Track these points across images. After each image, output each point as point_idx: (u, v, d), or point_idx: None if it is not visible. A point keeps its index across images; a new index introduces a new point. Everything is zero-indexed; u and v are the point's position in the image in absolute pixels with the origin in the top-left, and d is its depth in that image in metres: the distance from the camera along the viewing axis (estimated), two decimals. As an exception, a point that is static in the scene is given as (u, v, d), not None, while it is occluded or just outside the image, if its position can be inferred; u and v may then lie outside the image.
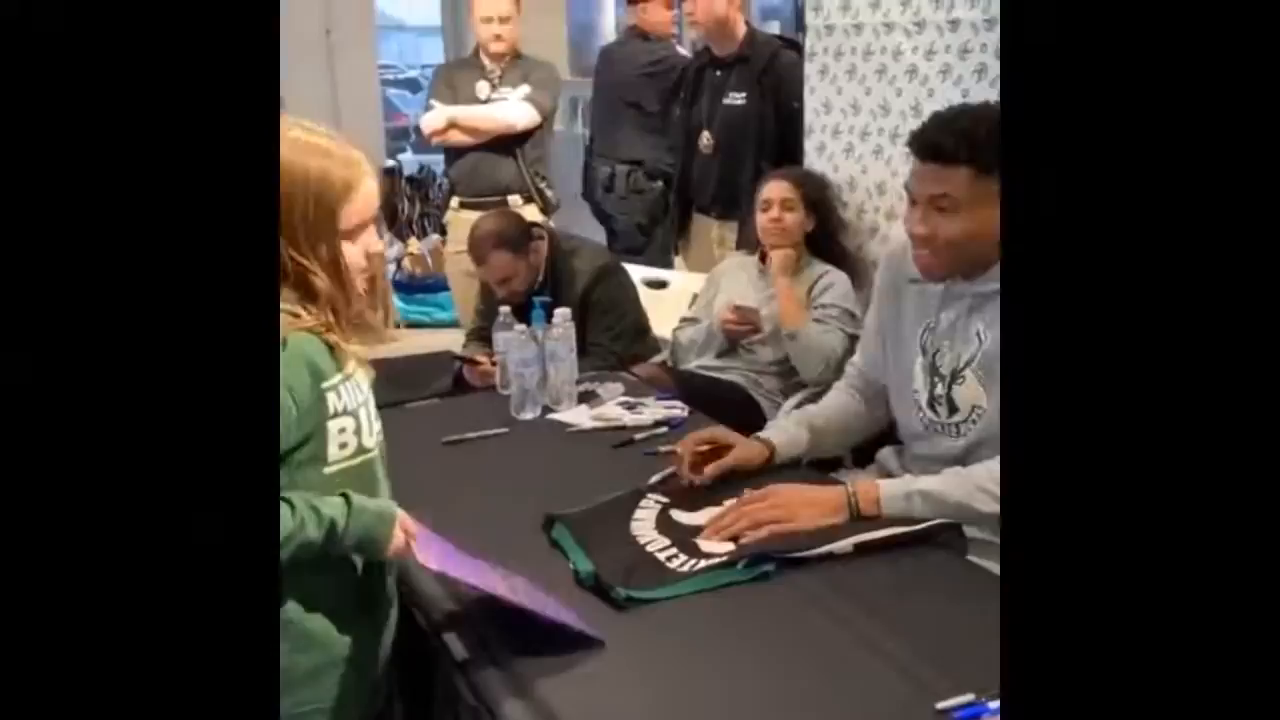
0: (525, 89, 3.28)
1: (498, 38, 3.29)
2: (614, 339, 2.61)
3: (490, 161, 3.30)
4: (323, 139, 1.17)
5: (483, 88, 3.32)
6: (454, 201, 3.44)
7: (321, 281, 1.16)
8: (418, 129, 3.31)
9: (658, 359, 2.65)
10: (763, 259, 2.51)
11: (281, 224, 1.11)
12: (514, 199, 3.28)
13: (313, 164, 1.14)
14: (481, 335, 2.67)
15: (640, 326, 2.77)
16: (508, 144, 3.28)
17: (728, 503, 1.56)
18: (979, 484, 1.46)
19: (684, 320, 2.66)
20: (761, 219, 2.47)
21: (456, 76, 3.39)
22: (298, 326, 1.15)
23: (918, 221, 1.55)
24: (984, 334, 1.58)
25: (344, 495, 1.16)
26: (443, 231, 3.66)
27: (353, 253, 1.20)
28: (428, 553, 1.21)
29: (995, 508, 1.42)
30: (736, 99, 3.11)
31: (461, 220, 3.33)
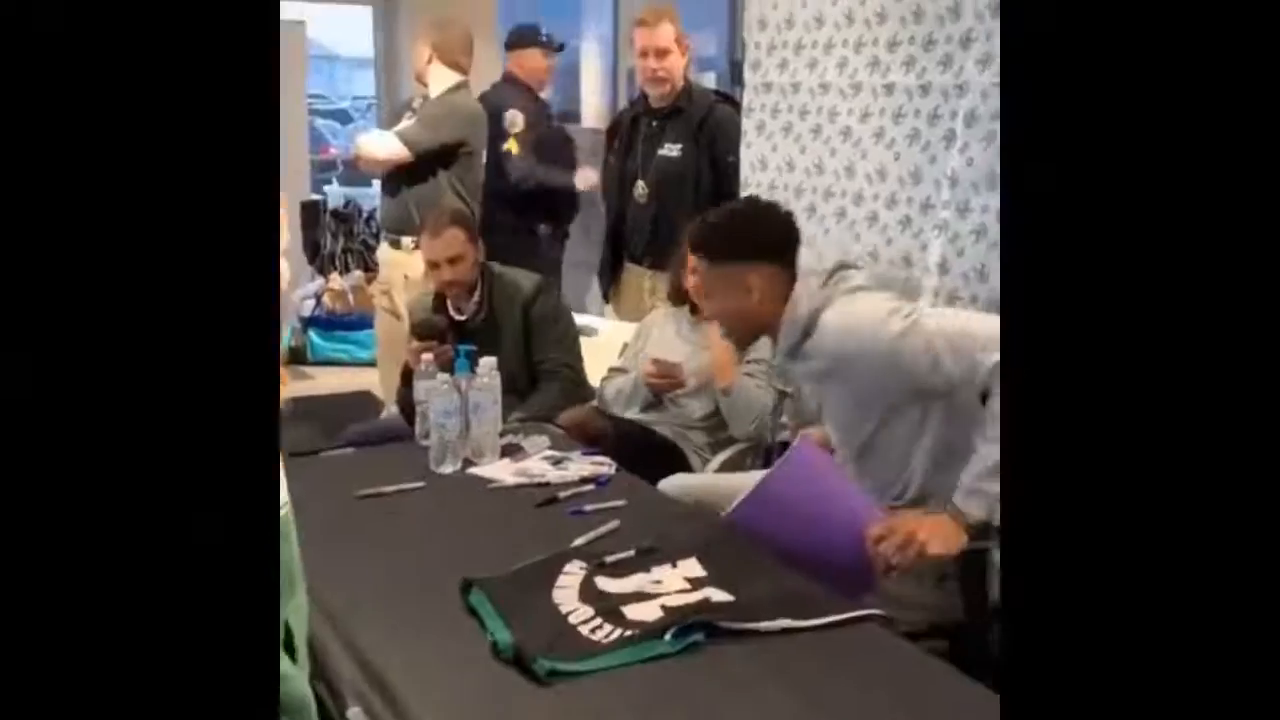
0: (407, 124, 3.25)
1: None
2: (566, 350, 2.61)
3: (417, 194, 3.19)
4: None
5: (403, 121, 3.31)
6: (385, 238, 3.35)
7: None
8: (346, 162, 3.19)
9: (591, 404, 2.60)
10: (693, 311, 2.49)
11: None
12: None
13: None
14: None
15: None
16: (432, 177, 3.19)
17: (656, 570, 1.51)
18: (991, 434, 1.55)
19: (612, 370, 2.62)
20: (691, 279, 2.44)
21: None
22: None
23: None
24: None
25: None
26: (369, 268, 3.54)
27: None
28: None
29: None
30: (673, 150, 3.10)
31: (391, 259, 3.29)
